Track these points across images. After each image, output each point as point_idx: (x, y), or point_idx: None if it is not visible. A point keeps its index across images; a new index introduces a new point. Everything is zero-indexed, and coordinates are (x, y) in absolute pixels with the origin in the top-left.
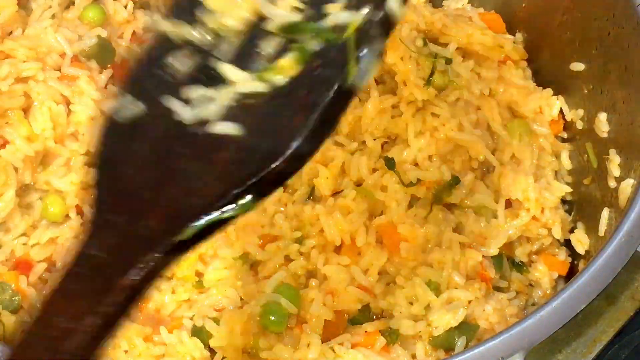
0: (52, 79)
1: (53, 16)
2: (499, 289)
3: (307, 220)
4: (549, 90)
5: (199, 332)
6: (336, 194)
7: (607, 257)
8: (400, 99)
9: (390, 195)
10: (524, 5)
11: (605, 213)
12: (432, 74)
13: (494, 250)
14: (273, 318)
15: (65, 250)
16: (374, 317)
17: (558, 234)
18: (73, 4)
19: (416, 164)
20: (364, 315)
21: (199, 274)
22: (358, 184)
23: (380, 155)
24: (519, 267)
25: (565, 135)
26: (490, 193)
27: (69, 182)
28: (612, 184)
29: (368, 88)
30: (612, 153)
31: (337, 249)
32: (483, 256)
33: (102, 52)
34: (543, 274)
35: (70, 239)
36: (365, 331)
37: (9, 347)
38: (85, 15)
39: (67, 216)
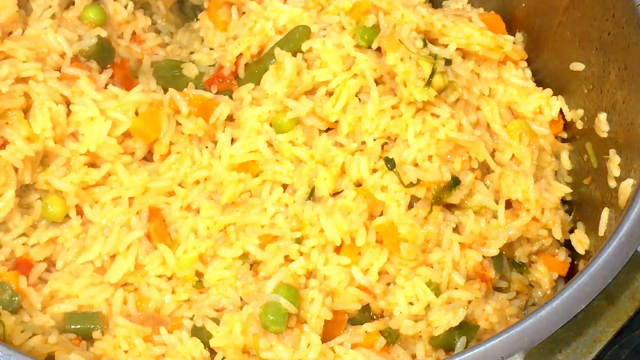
0: (52, 79)
1: (53, 16)
2: (499, 289)
3: (307, 220)
4: (549, 90)
5: (199, 332)
6: (336, 194)
7: (607, 257)
8: (400, 100)
9: (390, 195)
10: (524, 5)
11: (605, 213)
12: (432, 75)
13: (494, 251)
14: (273, 318)
15: (65, 250)
16: (374, 317)
17: (558, 234)
18: (73, 4)
19: (416, 165)
20: (364, 315)
21: (199, 274)
22: (358, 184)
23: (380, 155)
24: (519, 267)
25: (565, 135)
26: (490, 193)
27: (69, 182)
28: (612, 184)
29: (368, 88)
30: (612, 153)
31: (337, 249)
32: (483, 256)
33: (102, 52)
34: (543, 274)
35: (70, 239)
36: (365, 331)
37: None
38: (85, 15)
39: (67, 216)
